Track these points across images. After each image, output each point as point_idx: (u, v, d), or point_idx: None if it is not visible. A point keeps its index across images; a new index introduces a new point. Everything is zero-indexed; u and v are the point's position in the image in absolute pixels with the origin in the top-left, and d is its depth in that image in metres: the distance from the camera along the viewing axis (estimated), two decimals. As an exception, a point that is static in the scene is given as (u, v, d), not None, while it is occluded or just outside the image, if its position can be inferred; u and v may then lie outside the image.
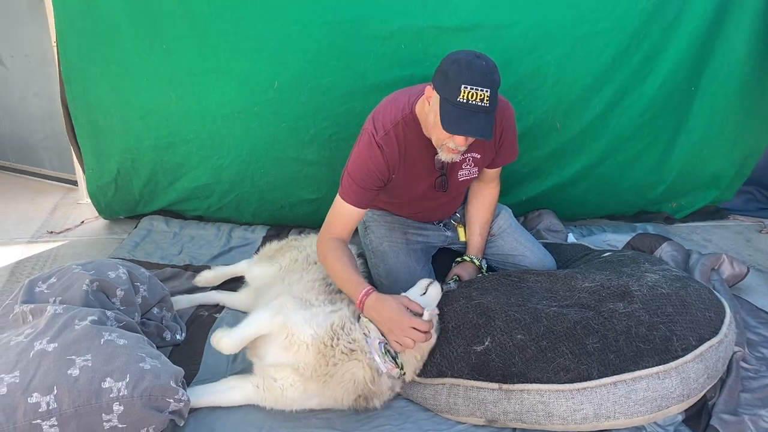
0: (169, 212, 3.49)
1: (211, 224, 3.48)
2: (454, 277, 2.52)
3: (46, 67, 3.31)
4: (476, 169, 2.43)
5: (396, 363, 1.99)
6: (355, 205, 2.26)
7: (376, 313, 2.00)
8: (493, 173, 2.57)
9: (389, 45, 2.80)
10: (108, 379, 1.85)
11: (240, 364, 2.34)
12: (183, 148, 3.11)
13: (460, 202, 2.70)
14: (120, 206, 3.43)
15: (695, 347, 2.02)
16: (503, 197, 3.21)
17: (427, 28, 2.77)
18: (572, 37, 2.91)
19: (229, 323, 2.59)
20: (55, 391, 1.80)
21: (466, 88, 1.98)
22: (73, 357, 1.88)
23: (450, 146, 2.12)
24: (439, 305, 2.14)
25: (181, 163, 3.17)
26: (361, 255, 2.70)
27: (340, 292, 2.23)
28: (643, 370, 1.93)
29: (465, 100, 1.98)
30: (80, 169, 3.49)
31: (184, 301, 2.72)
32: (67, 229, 3.53)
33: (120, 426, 1.84)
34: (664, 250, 2.95)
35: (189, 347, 2.48)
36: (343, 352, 1.96)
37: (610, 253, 2.61)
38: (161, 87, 2.98)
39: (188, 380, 2.24)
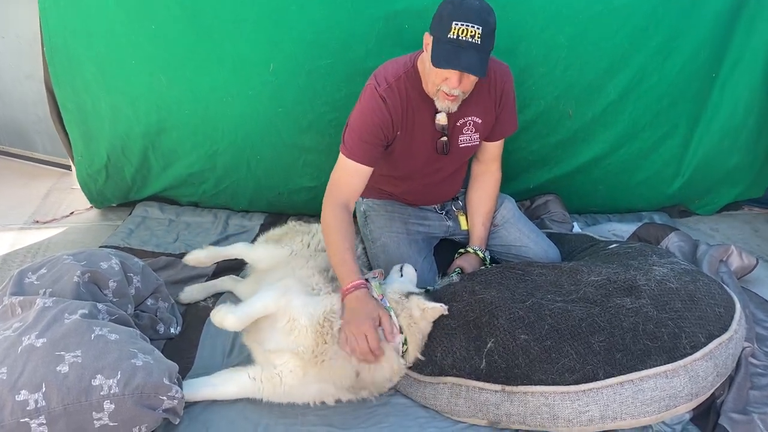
0: (163, 198, 3.45)
1: (207, 211, 3.45)
2: (457, 269, 2.48)
3: (37, 47, 3.22)
4: (477, 136, 2.42)
5: (396, 321, 1.99)
6: (359, 162, 2.24)
7: (353, 304, 2.01)
8: (494, 150, 2.55)
9: (392, 25, 2.72)
10: (98, 376, 1.84)
11: (236, 357, 2.34)
12: (175, 134, 3.06)
13: (461, 181, 2.67)
14: (112, 193, 3.40)
15: (704, 344, 1.99)
16: (509, 183, 3.17)
17: (431, 6, 2.67)
18: (586, 15, 2.79)
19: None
20: (44, 389, 1.78)
21: (457, 24, 2.01)
22: (62, 353, 1.86)
23: (444, 90, 2.13)
24: (443, 300, 2.11)
25: (173, 149, 3.12)
26: (362, 242, 2.68)
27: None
28: (650, 369, 1.91)
29: (455, 36, 2.02)
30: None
31: (198, 291, 2.70)
32: (53, 219, 3.48)
33: (111, 424, 1.83)
34: (671, 241, 2.91)
35: (184, 340, 2.47)
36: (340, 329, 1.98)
37: (617, 245, 2.56)
38: (151, 70, 2.91)
39: (182, 374, 2.21)
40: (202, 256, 2.69)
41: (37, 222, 3.45)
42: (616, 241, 2.69)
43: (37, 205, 3.70)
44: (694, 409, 2.00)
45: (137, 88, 2.96)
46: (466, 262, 2.52)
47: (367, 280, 2.08)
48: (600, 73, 2.92)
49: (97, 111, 3.07)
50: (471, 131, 2.40)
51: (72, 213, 3.55)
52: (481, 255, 2.55)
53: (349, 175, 2.25)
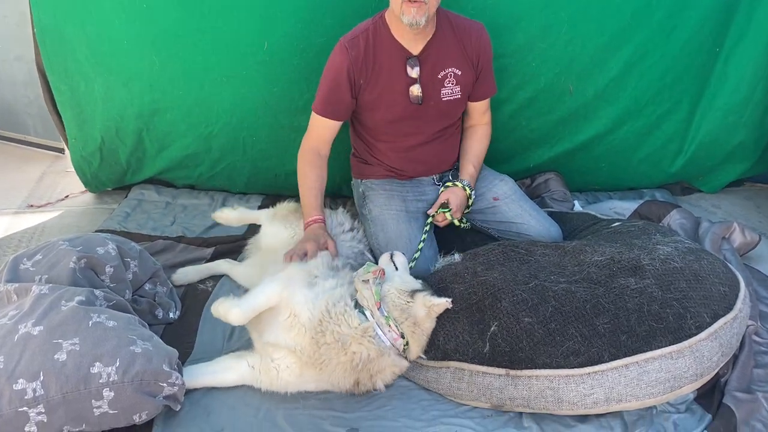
0: (159, 181, 3.40)
1: (204, 193, 3.41)
2: (445, 208, 2.50)
3: (25, 28, 3.15)
4: (459, 89, 2.49)
5: (397, 328, 1.94)
6: (322, 115, 2.44)
7: (308, 233, 2.35)
8: (480, 108, 2.63)
9: (387, 3, 2.62)
10: (97, 363, 1.82)
11: (236, 342, 2.32)
12: (169, 116, 3.01)
13: (455, 147, 2.68)
14: (107, 176, 3.35)
15: (709, 324, 1.98)
16: (509, 162, 3.18)
17: (430, -20, 2.61)
18: (587, -11, 2.74)
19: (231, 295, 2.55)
20: (42, 377, 1.76)
21: None
22: (60, 341, 1.84)
23: None
24: (444, 282, 2.07)
25: (168, 131, 3.07)
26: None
27: (342, 268, 2.22)
28: (655, 351, 1.89)
29: None
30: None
31: (193, 273, 2.67)
32: (48, 204, 3.43)
33: (111, 412, 1.81)
34: (673, 218, 2.88)
35: (183, 324, 2.45)
36: (334, 338, 1.92)
37: (619, 223, 2.54)
38: (143, 50, 2.85)
39: (182, 359, 2.20)
40: (232, 216, 2.79)
41: (32, 206, 3.41)
42: (618, 219, 2.66)
43: (30, 188, 3.66)
44: (698, 389, 1.99)
45: (130, 68, 2.91)
46: (452, 194, 2.51)
47: (367, 280, 2.02)
48: (601, 48, 2.87)
49: (91, 92, 3.01)
50: (452, 84, 2.46)
51: (67, 197, 3.51)
52: (468, 191, 2.55)
53: (318, 128, 2.48)
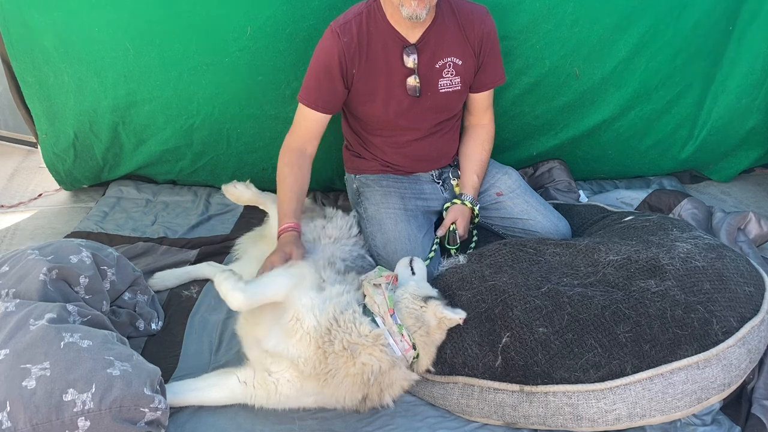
0: (138, 177, 3.23)
1: (186, 189, 3.26)
2: (453, 226, 2.37)
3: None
4: (458, 80, 2.33)
5: (409, 338, 1.79)
6: (309, 107, 2.26)
7: (279, 243, 2.14)
8: (483, 101, 2.47)
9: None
10: (70, 390, 1.67)
11: (224, 356, 2.18)
12: (147, 108, 2.83)
13: (455, 141, 2.54)
14: (82, 174, 3.17)
15: (737, 329, 1.87)
16: (512, 151, 3.06)
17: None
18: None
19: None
20: (9, 408, 1.62)
21: None
22: (28, 365, 1.69)
23: None
24: (450, 288, 1.94)
25: (146, 124, 2.89)
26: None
27: (349, 272, 2.06)
28: (681, 361, 1.77)
29: None
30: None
31: (171, 278, 2.53)
32: (20, 203, 3.27)
33: None
34: (684, 208, 2.80)
35: (167, 335, 2.32)
36: (343, 347, 1.76)
37: (632, 218, 2.40)
38: (116, 37, 2.66)
39: (167, 374, 2.08)
40: (245, 194, 2.64)
41: (2, 207, 3.22)
42: (630, 213, 2.53)
43: (1, 186, 3.48)
44: (724, 398, 1.87)
45: (102, 57, 2.72)
46: (460, 215, 2.38)
47: (379, 285, 1.87)
48: (610, 29, 2.71)
49: (61, 84, 2.82)
50: (452, 74, 2.31)
51: (40, 195, 3.33)
52: (469, 205, 2.41)
53: (306, 121, 2.29)
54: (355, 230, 2.39)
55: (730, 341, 1.80)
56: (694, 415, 1.83)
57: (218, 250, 2.71)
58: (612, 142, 3.06)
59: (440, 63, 2.27)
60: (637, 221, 2.33)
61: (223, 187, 2.67)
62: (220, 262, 2.61)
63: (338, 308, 1.81)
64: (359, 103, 2.33)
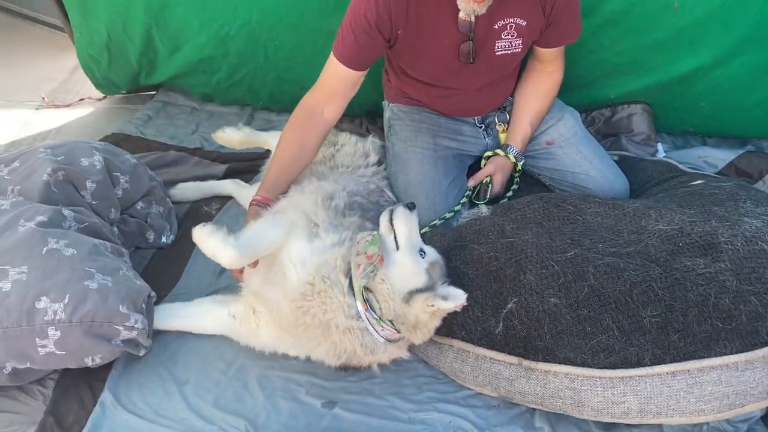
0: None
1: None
2: (488, 179, 2.18)
3: None
4: (519, 42, 2.05)
5: (393, 327, 1.62)
6: (343, 63, 1.97)
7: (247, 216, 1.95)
8: (550, 53, 2.18)
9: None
10: (44, 298, 1.66)
11: (225, 280, 2.09)
12: (181, 10, 2.72)
13: (509, 89, 2.28)
14: (118, 78, 3.14)
15: None
16: (582, 90, 2.71)
17: None
18: None
19: (228, 225, 2.31)
20: None
21: None
22: (6, 267, 1.69)
23: None
24: (463, 240, 1.75)
25: (180, 27, 2.78)
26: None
27: (346, 215, 1.89)
28: (716, 359, 1.52)
29: None
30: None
31: (193, 191, 2.50)
32: (70, 104, 3.31)
33: (58, 353, 1.67)
34: (777, 177, 2.37)
35: (175, 250, 2.30)
36: (314, 322, 1.63)
37: (703, 181, 2.09)
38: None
39: (164, 291, 2.05)
40: (235, 138, 2.47)
41: (54, 105, 3.27)
42: (702, 175, 2.21)
43: (61, 80, 3.58)
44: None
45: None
46: (499, 169, 2.17)
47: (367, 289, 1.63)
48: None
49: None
50: (512, 36, 2.02)
51: (81, 100, 3.36)
52: (513, 159, 2.18)
53: (330, 76, 2.02)
54: (373, 158, 2.21)
55: (785, 344, 1.53)
56: (727, 421, 1.59)
57: (247, 168, 2.63)
58: (707, 93, 2.61)
59: (500, 23, 1.98)
60: (706, 186, 2.01)
61: (213, 135, 2.50)
62: (247, 182, 2.53)
63: (321, 271, 1.64)
64: (401, 60, 2.11)
